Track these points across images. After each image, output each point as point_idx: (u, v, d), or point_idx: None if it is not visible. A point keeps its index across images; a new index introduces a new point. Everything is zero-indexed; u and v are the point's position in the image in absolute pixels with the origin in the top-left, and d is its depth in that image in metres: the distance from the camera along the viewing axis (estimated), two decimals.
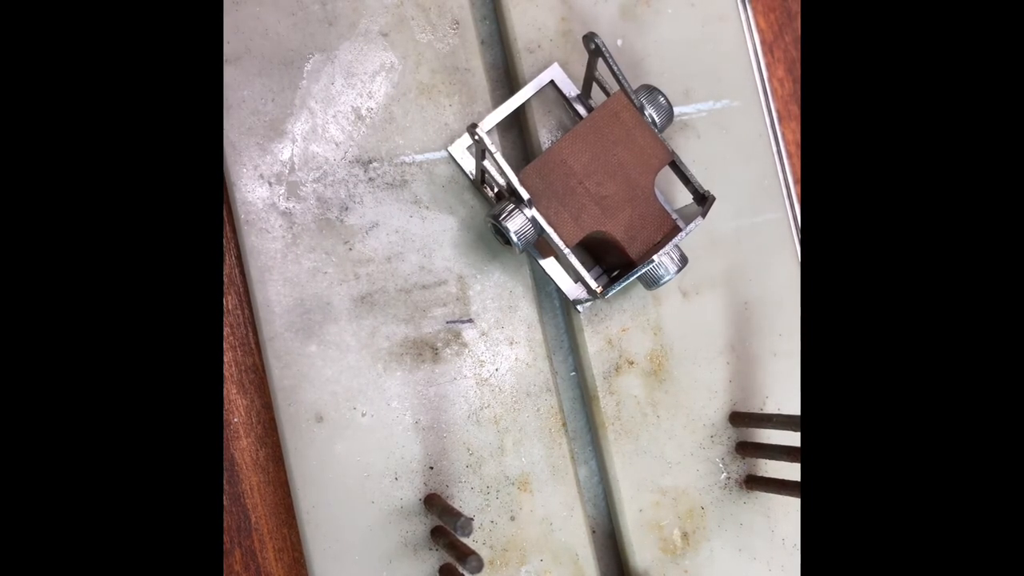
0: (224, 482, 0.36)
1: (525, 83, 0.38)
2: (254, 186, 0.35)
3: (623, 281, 0.34)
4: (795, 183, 0.42)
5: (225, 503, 0.36)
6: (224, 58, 0.35)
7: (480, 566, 0.30)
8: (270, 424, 0.36)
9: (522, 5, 0.38)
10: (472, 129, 0.32)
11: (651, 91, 0.36)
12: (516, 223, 0.33)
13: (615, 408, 0.38)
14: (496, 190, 0.36)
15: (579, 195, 0.34)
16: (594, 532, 0.38)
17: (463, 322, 0.37)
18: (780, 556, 0.39)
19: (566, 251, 0.33)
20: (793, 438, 0.38)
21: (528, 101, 0.38)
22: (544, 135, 0.38)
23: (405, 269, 0.36)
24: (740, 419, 0.38)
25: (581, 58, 0.38)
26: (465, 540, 0.33)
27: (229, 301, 0.36)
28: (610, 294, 0.34)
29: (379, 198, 0.36)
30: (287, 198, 0.35)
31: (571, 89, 0.38)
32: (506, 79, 0.40)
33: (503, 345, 0.37)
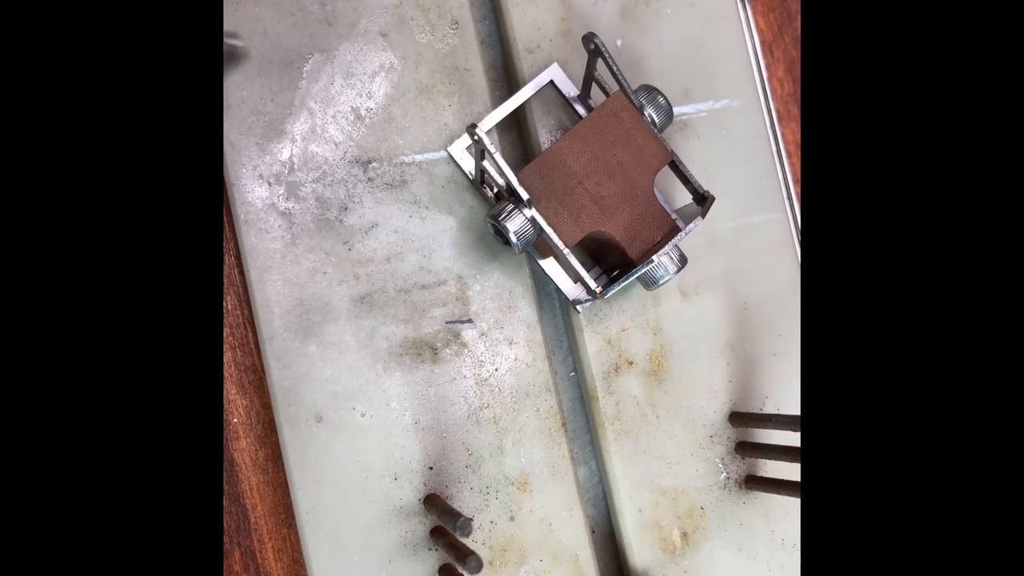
0: (224, 482, 0.36)
1: (525, 83, 0.38)
2: (253, 186, 0.35)
3: (622, 281, 0.34)
4: (795, 183, 0.42)
5: (225, 503, 0.36)
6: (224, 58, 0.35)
7: (479, 566, 0.30)
8: (269, 424, 0.36)
9: (522, 5, 0.38)
10: (471, 129, 0.32)
11: (650, 91, 0.36)
12: (516, 223, 0.33)
13: (615, 408, 0.38)
14: (495, 190, 0.36)
15: (578, 195, 0.34)
16: (594, 532, 0.38)
17: (462, 322, 0.37)
18: (780, 556, 0.39)
19: (565, 251, 0.33)
20: (793, 438, 0.38)
21: (528, 101, 0.38)
22: (544, 135, 0.38)
23: (404, 269, 0.36)
24: (740, 419, 0.38)
25: (581, 58, 0.38)
26: (464, 540, 0.33)
27: (228, 301, 0.36)
28: (609, 294, 0.34)
29: (378, 198, 0.36)
30: (286, 198, 0.35)
31: (571, 89, 0.38)
32: (506, 79, 0.40)
33: (502, 345, 0.37)
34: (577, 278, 0.35)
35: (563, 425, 0.37)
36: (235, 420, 0.36)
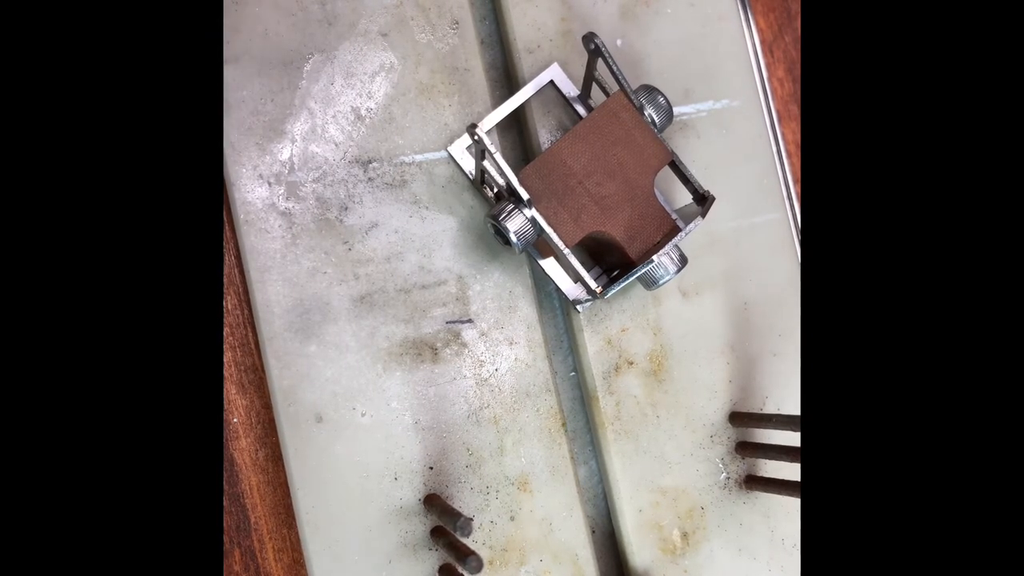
0: (224, 482, 0.36)
1: (525, 83, 0.38)
2: (253, 186, 0.35)
3: (623, 281, 0.34)
4: (795, 183, 0.42)
5: (225, 503, 0.36)
6: (224, 58, 0.35)
7: (480, 566, 0.30)
8: (270, 424, 0.36)
9: (522, 5, 0.38)
10: (472, 129, 0.32)
11: (651, 91, 0.36)
12: (516, 223, 0.33)
13: (615, 408, 0.38)
14: (496, 190, 0.36)
15: (579, 195, 0.34)
16: (594, 532, 0.38)
17: (463, 322, 0.37)
18: (780, 556, 0.39)
19: (566, 251, 0.33)
20: (793, 438, 0.38)
21: (528, 101, 0.38)
22: (544, 135, 0.38)
23: (405, 269, 0.36)
24: (740, 419, 0.38)
25: (581, 58, 0.38)
26: (465, 540, 0.33)
27: (229, 301, 0.36)
28: (610, 294, 0.34)
29: (379, 198, 0.36)
30: (286, 198, 0.35)
31: (571, 89, 0.38)
32: (506, 79, 0.40)
33: (503, 345, 0.37)
34: (577, 278, 0.35)
35: (563, 425, 0.37)
36: (235, 420, 0.36)
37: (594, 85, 0.37)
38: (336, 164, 0.36)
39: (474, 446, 0.36)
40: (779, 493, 0.36)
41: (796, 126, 0.43)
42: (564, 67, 0.38)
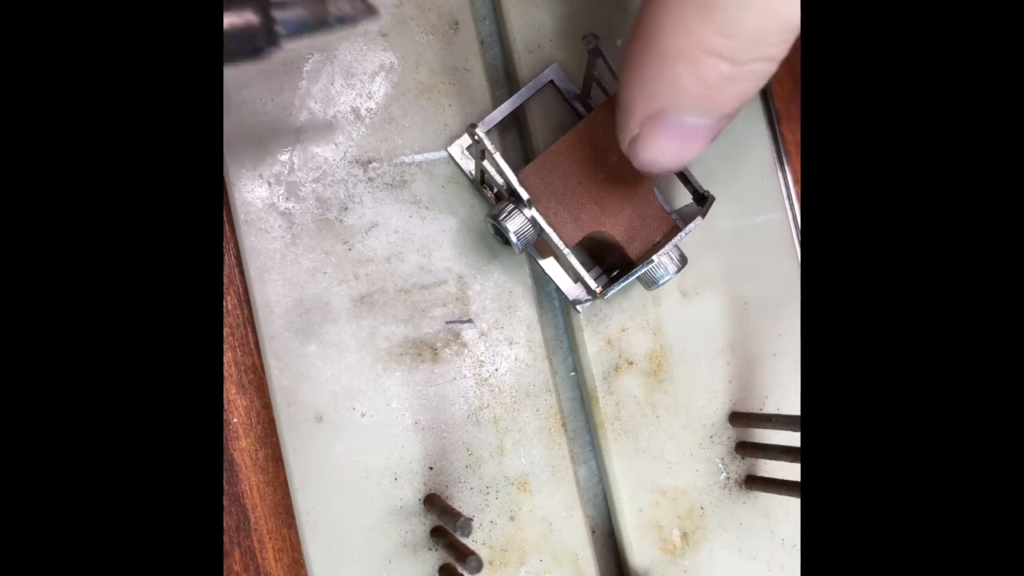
0: (224, 482, 0.36)
1: (525, 83, 0.38)
2: (253, 186, 0.35)
3: (622, 281, 0.34)
4: (795, 183, 0.42)
5: (225, 503, 0.36)
6: (224, 58, 0.35)
7: (480, 566, 0.30)
8: (269, 424, 0.36)
9: (522, 5, 0.38)
10: (471, 129, 0.32)
11: None
12: (516, 223, 0.33)
13: (615, 408, 0.38)
14: (496, 190, 0.36)
15: (578, 195, 0.34)
16: (594, 532, 0.38)
17: (463, 322, 0.37)
18: (780, 556, 0.39)
19: (566, 251, 0.33)
20: (793, 438, 0.38)
21: (528, 101, 0.38)
22: (544, 135, 0.38)
23: (405, 269, 0.36)
24: (740, 419, 0.38)
25: (581, 58, 0.38)
26: (464, 540, 0.33)
27: (228, 301, 0.36)
28: (609, 294, 0.34)
29: (378, 198, 0.36)
30: (286, 198, 0.35)
31: (571, 89, 0.38)
32: (506, 79, 0.40)
33: (503, 345, 0.37)
34: (577, 278, 0.35)
35: (563, 425, 0.37)
36: (235, 420, 0.36)
37: (594, 85, 0.37)
38: (336, 164, 0.36)
39: (474, 446, 0.36)
40: (779, 493, 0.36)
41: (796, 126, 0.43)
42: (564, 67, 0.38)
